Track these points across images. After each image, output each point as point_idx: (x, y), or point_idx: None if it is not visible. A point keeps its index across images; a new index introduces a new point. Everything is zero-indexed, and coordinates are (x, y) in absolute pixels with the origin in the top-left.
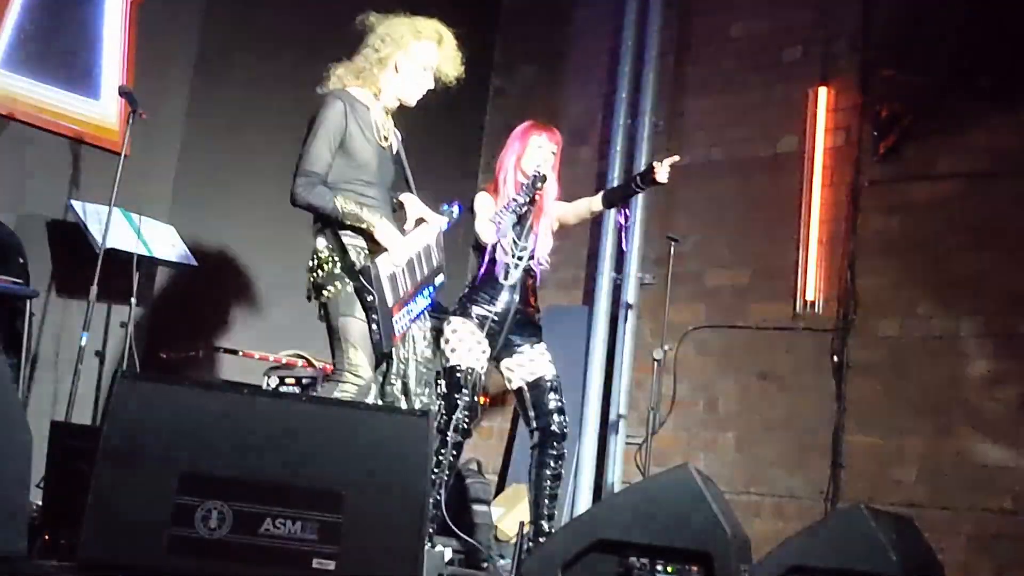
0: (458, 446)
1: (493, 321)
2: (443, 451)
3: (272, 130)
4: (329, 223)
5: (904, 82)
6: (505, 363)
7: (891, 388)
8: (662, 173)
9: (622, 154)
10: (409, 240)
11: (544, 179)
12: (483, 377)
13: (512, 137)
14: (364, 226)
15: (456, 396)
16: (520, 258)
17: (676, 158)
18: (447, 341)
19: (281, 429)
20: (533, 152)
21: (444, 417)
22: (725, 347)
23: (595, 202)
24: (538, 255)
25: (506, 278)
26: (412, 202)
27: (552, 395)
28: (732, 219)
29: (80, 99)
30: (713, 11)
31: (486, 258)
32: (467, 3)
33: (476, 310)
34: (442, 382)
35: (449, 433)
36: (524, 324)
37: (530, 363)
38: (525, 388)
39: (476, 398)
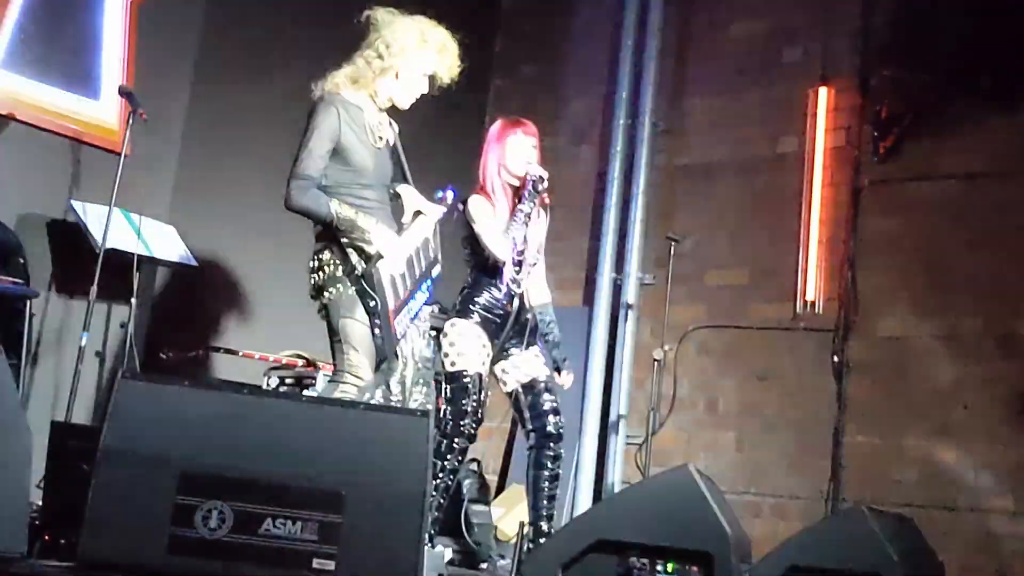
0: (463, 451)
1: (496, 318)
2: (448, 456)
3: (272, 130)
4: (330, 225)
5: (904, 82)
6: (499, 366)
7: (891, 388)
8: (564, 382)
9: (622, 154)
10: (406, 239)
11: (543, 179)
12: (487, 380)
13: (488, 140)
14: (358, 233)
15: (463, 402)
16: (519, 264)
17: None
18: (452, 344)
19: (281, 429)
20: (514, 151)
21: (450, 422)
22: (725, 347)
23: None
24: (530, 257)
25: (513, 284)
26: (409, 193)
27: (547, 396)
28: (732, 219)
29: (80, 99)
30: (713, 11)
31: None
32: (467, 3)
33: (477, 309)
34: (446, 387)
35: (455, 439)
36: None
37: (524, 364)
38: (520, 391)
39: (482, 402)
